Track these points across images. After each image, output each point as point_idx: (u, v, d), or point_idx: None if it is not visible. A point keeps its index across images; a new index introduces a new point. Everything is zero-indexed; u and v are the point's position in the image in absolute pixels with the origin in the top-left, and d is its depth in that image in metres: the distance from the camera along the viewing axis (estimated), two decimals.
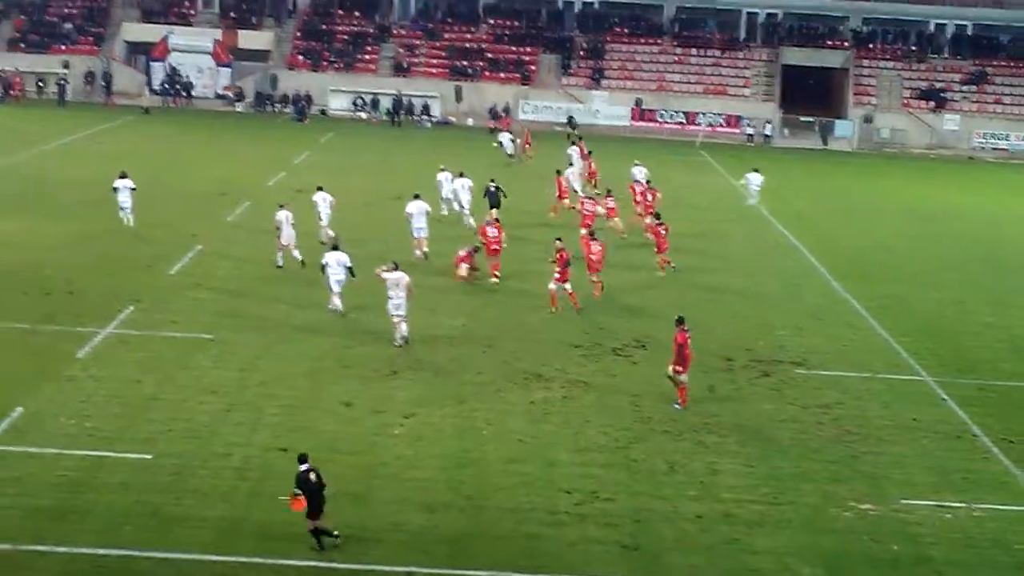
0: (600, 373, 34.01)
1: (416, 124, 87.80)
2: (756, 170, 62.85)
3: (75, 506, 24.47)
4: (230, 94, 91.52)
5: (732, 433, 30.36)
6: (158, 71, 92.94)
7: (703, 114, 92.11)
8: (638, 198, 54.39)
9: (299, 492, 23.23)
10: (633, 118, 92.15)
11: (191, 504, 24.91)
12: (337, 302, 38.17)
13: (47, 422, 28.51)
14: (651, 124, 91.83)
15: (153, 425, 28.66)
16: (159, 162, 51.69)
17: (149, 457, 26.87)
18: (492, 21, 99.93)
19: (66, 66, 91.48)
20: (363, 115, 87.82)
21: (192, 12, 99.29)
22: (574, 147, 65.00)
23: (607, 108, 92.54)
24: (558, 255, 40.08)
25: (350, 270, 37.88)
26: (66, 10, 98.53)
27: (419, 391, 32.01)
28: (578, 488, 26.56)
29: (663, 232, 46.19)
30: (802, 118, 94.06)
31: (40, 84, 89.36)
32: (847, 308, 43.23)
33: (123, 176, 48.30)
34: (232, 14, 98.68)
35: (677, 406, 31.83)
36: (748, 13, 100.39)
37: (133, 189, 47.88)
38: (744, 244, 53.41)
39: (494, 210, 49.06)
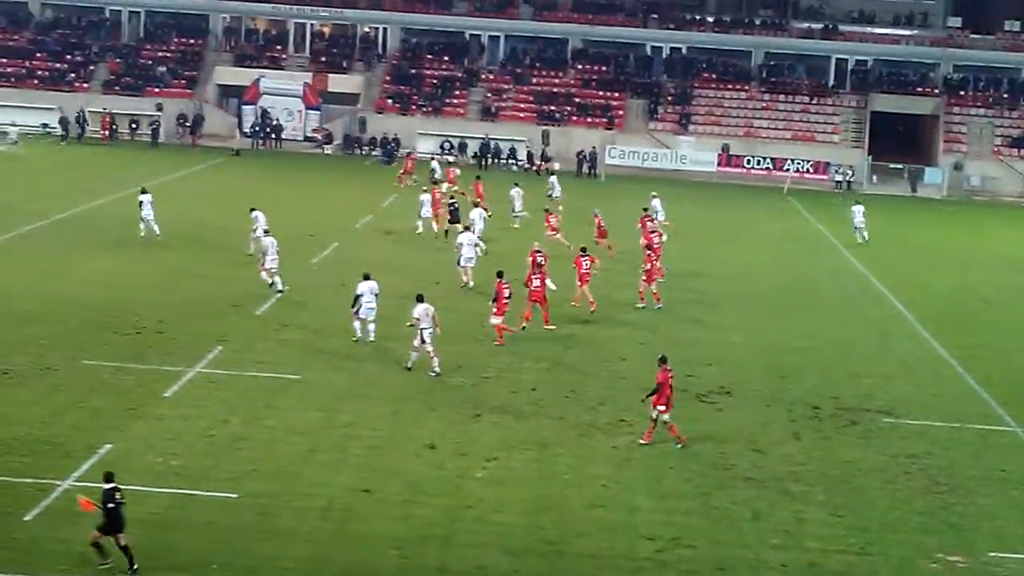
0: (684, 419, 33.84)
1: (503, 168, 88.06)
2: (859, 202, 62.59)
3: (163, 543, 24.67)
4: (319, 137, 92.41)
5: (818, 482, 30.07)
6: (249, 114, 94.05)
7: (791, 160, 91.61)
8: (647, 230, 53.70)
9: (106, 507, 23.49)
10: (720, 164, 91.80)
11: (276, 544, 25.05)
12: (370, 329, 39.02)
13: (136, 459, 28.82)
14: (738, 170, 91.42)
15: (239, 464, 28.90)
16: (248, 203, 52.37)
17: (235, 496, 27.07)
18: (580, 66, 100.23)
19: (159, 108, 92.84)
20: (450, 158, 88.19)
21: (283, 56, 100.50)
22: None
23: (694, 154, 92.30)
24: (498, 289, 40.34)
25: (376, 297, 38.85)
26: (160, 54, 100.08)
27: (502, 434, 32.02)
28: (659, 535, 26.41)
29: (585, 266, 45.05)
30: (891, 165, 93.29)
31: (133, 126, 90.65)
32: (936, 357, 42.74)
33: (144, 192, 53.07)
34: (322, 58, 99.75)
35: (678, 446, 31.67)
36: (837, 59, 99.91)
37: (152, 203, 52.87)
38: (831, 291, 52.99)
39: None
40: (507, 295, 40.50)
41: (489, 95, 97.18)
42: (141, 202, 53.24)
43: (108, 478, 23.95)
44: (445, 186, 64.97)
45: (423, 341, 36.51)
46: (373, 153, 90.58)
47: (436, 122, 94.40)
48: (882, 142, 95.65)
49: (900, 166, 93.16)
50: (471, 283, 47.32)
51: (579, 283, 44.91)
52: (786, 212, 75.98)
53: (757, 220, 70.76)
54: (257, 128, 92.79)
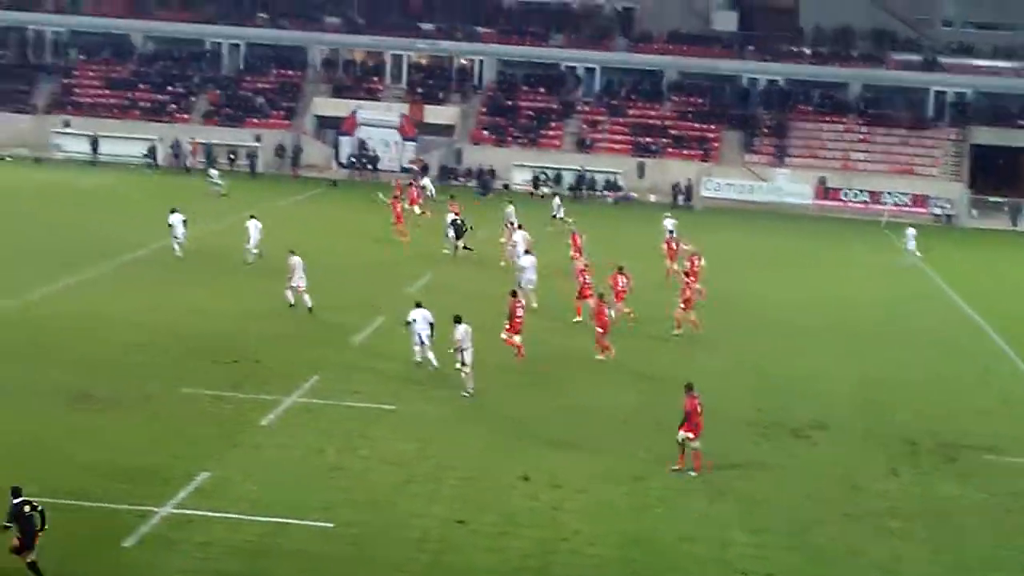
0: (778, 453, 33.59)
1: (598, 199, 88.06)
2: (912, 226, 62.29)
3: (257, 571, 24.91)
4: (415, 167, 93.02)
5: (917, 518, 29.71)
6: (346, 145, 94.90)
7: (888, 193, 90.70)
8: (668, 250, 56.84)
9: (9, 525, 23.54)
10: (817, 196, 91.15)
11: (369, 574, 25.16)
12: (429, 355, 39.13)
13: (232, 487, 29.12)
14: (835, 203, 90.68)
15: (334, 494, 29.09)
16: (346, 233, 52.95)
17: (330, 526, 27.24)
18: (676, 98, 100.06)
19: (258, 139, 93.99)
20: (545, 190, 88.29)
21: (380, 88, 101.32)
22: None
23: (790, 186, 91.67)
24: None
25: (432, 326, 38.98)
26: (259, 85, 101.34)
27: (595, 466, 31.93)
28: (753, 570, 26.24)
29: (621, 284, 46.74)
30: (991, 199, 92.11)
31: (231, 156, 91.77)
32: None
33: (174, 211, 55.70)
34: (419, 89, 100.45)
35: (692, 473, 31.48)
36: (936, 92, 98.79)
37: (185, 221, 55.41)
38: (929, 325, 52.34)
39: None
40: (520, 314, 40.88)
41: (584, 127, 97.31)
42: (172, 224, 55.37)
43: (15, 492, 24.04)
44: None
45: (464, 363, 36.91)
46: (468, 184, 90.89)
47: (531, 153, 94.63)
48: (982, 175, 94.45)
49: (1001, 200, 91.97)
50: (534, 304, 47.32)
51: (615, 300, 46.05)
52: (883, 245, 75.20)
53: (854, 253, 70.13)
54: (354, 159, 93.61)
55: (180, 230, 55.66)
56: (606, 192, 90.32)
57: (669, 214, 63.74)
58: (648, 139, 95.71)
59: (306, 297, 46.60)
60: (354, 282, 52.73)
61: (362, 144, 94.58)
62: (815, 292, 57.07)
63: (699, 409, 31.73)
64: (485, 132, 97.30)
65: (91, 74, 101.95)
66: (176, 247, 55.61)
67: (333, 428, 33.76)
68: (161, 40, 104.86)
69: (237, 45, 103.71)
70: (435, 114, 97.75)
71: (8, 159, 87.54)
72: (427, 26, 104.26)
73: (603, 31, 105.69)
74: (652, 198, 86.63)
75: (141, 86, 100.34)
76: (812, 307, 52.95)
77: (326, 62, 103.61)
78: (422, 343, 39.21)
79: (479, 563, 25.95)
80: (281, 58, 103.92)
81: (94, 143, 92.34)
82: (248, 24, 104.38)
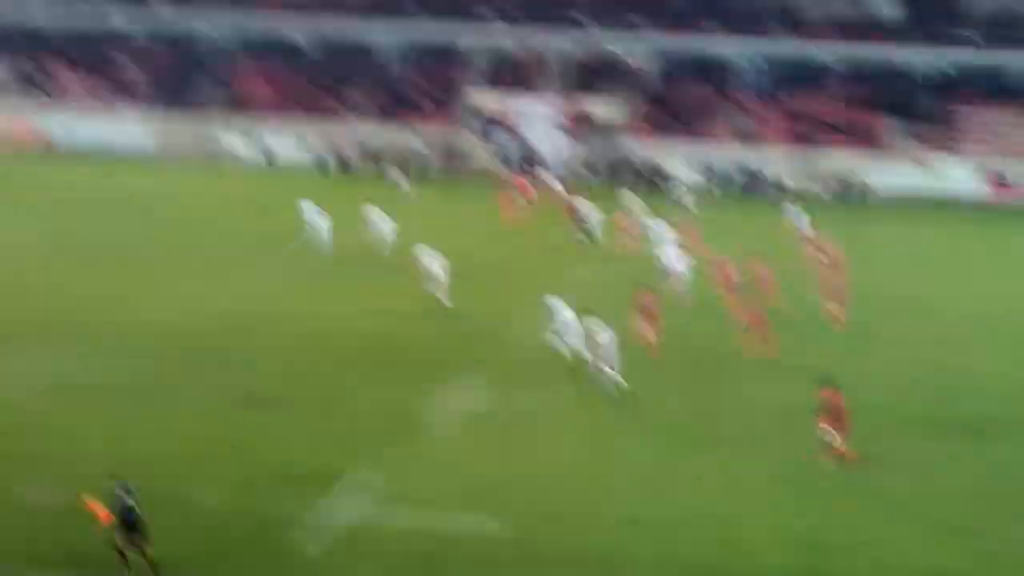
0: (949, 450, 32.98)
1: (761, 192, 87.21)
2: None
3: (433, 573, 25.17)
4: (577, 163, 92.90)
5: None
6: (507, 143, 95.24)
7: None
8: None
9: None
10: (990, 187, 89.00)
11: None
12: (612, 375, 38.78)
13: (405, 488, 29.55)
14: (1010, 193, 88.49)
15: (507, 495, 29.45)
16: (509, 230, 53.30)
17: (502, 529, 27.40)
18: (839, 87, 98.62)
19: (419, 138, 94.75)
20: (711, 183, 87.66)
21: (542, 85, 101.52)
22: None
23: (960, 176, 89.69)
24: None
25: (579, 321, 39.08)
26: (420, 83, 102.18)
27: (765, 466, 31.64)
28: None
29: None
30: None
31: (394, 156, 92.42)
32: None
33: (306, 203, 57.97)
34: (580, 84, 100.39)
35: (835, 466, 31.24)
36: None
37: (321, 214, 57.24)
38: None
39: None
40: (655, 309, 41.23)
41: (747, 119, 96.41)
42: (304, 210, 57.65)
43: (122, 486, 24.73)
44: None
45: (605, 365, 36.87)
46: (630, 178, 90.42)
47: (694, 147, 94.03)
48: None
49: None
50: (686, 301, 48.16)
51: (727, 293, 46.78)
52: None
53: None
54: (514, 156, 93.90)
55: (320, 223, 57.08)
56: (768, 184, 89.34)
57: (794, 206, 63.40)
58: (811, 129, 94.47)
59: (444, 295, 47.05)
60: (506, 280, 53.07)
61: (523, 141, 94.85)
62: (988, 288, 55.72)
63: (840, 402, 31.25)
64: (647, 126, 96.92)
65: (259, 76, 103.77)
66: (316, 240, 56.70)
67: (506, 430, 33.92)
68: (327, 43, 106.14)
69: (400, 46, 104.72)
70: (596, 109, 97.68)
71: (177, 164, 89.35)
72: (587, 20, 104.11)
73: (764, 21, 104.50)
74: (814, 189, 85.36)
75: (307, 88, 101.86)
76: (984, 302, 51.75)
77: (487, 60, 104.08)
78: (570, 341, 39.33)
79: (652, 564, 25.90)
80: (443, 57, 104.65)
81: (264, 146, 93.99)
82: (407, 22, 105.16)
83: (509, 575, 25.47)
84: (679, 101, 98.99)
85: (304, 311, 46.52)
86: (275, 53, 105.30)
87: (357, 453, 31.70)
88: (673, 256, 50.20)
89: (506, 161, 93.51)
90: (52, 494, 27.68)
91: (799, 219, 61.67)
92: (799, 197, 77.35)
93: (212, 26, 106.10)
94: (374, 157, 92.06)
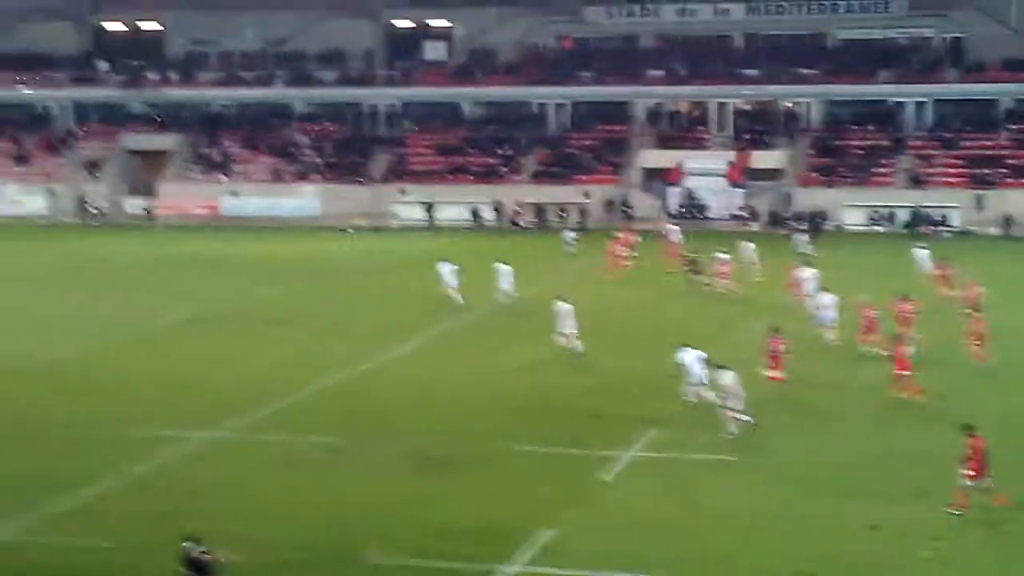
0: None
1: (934, 236, 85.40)
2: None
3: None
4: (744, 214, 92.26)
5: None
6: (674, 195, 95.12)
7: None
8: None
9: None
10: None
11: None
12: (703, 394, 38.85)
13: (575, 544, 29.20)
14: None
15: (678, 548, 28.89)
16: (673, 289, 52.99)
17: None
18: (1013, 126, 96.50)
19: (587, 195, 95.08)
20: (880, 229, 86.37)
21: (706, 137, 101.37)
22: None
23: None
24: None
25: (707, 363, 39.00)
26: (585, 142, 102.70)
27: (938, 512, 30.65)
28: None
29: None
30: None
31: (562, 214, 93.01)
32: None
33: (444, 262, 58.77)
34: (745, 135, 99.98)
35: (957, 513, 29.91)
36: None
37: (455, 269, 58.11)
38: None
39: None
40: (782, 350, 41.13)
41: (917, 162, 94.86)
42: (441, 272, 58.25)
43: (190, 539, 24.57)
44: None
45: (731, 409, 36.52)
46: (799, 228, 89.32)
47: (862, 193, 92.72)
48: None
49: None
50: (835, 341, 48.19)
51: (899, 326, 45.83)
52: None
53: None
54: (683, 208, 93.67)
55: (450, 280, 58.08)
56: (940, 228, 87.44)
57: (922, 244, 63.12)
58: (985, 170, 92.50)
59: (577, 343, 47.14)
60: (643, 328, 53.15)
61: (690, 193, 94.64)
62: None
63: (982, 447, 30.26)
64: (814, 174, 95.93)
65: (423, 143, 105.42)
66: (453, 295, 57.64)
67: (673, 482, 33.57)
68: (489, 106, 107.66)
69: (563, 105, 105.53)
70: (762, 159, 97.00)
71: (351, 231, 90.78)
72: (750, 72, 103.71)
73: (932, 63, 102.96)
74: (991, 230, 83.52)
75: (471, 151, 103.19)
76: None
77: (651, 115, 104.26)
78: (698, 384, 39.20)
79: None
80: (606, 114, 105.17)
81: (429, 209, 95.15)
82: (572, 84, 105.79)
83: None
84: (847, 147, 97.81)
85: (472, 371, 46.66)
86: (442, 122, 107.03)
87: (529, 509, 31.43)
88: (826, 302, 49.20)
89: (671, 215, 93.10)
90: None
91: (939, 261, 60.34)
92: (966, 237, 75.70)
93: (381, 99, 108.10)
94: (543, 216, 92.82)
